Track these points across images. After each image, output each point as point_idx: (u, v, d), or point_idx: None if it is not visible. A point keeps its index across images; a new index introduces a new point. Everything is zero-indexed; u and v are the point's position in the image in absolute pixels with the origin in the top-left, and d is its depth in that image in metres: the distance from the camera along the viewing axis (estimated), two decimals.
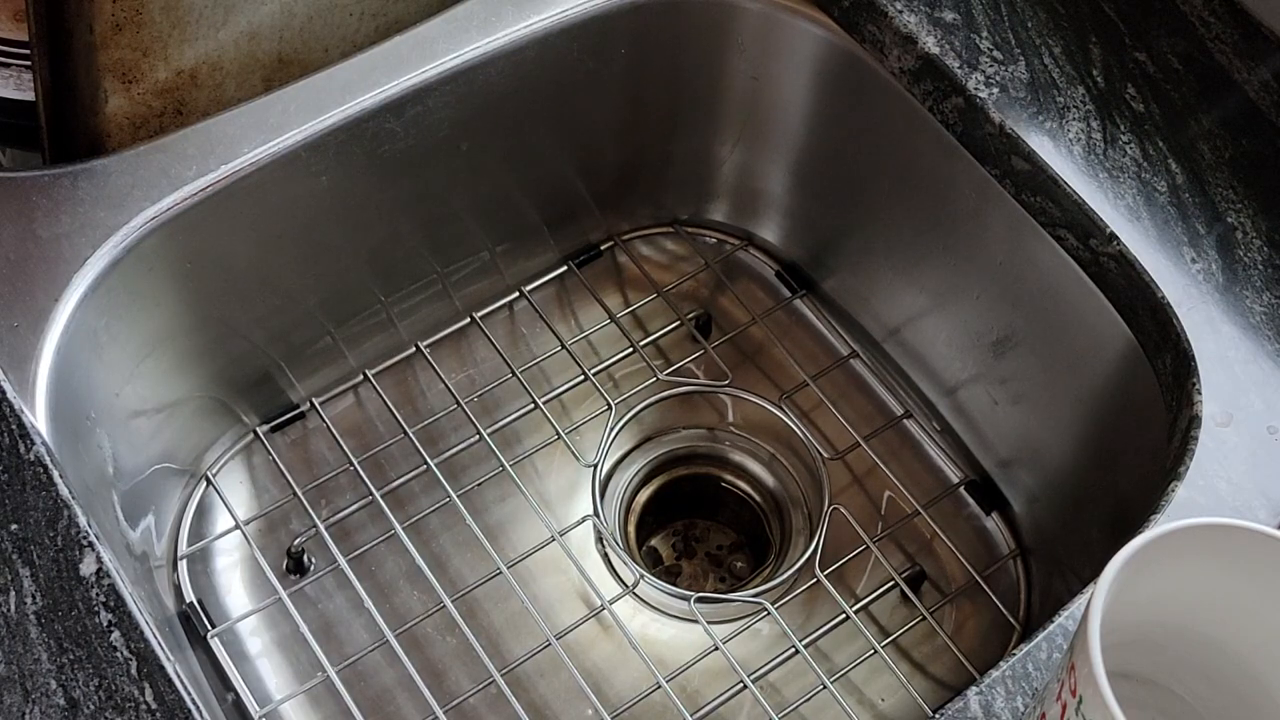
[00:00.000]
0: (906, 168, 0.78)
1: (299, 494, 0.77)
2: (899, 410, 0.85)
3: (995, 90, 0.71)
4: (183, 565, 0.74)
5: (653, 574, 0.80)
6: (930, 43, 0.73)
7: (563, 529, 0.77)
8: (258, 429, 0.79)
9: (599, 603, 0.75)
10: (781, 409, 0.84)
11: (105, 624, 0.53)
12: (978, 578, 0.78)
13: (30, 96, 0.68)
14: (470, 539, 0.77)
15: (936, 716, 0.54)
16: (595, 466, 0.81)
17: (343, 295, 0.79)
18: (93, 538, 0.55)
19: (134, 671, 0.53)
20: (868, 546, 0.78)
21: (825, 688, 0.72)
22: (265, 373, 0.79)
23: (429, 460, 0.78)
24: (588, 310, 0.87)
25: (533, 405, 0.81)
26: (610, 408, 0.82)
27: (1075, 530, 0.76)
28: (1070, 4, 0.75)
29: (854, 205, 0.84)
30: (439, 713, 0.70)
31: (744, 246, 0.91)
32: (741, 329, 0.87)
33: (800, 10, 0.78)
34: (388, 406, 0.80)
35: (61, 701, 0.52)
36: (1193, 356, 0.64)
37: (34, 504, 0.56)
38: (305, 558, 0.77)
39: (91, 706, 0.52)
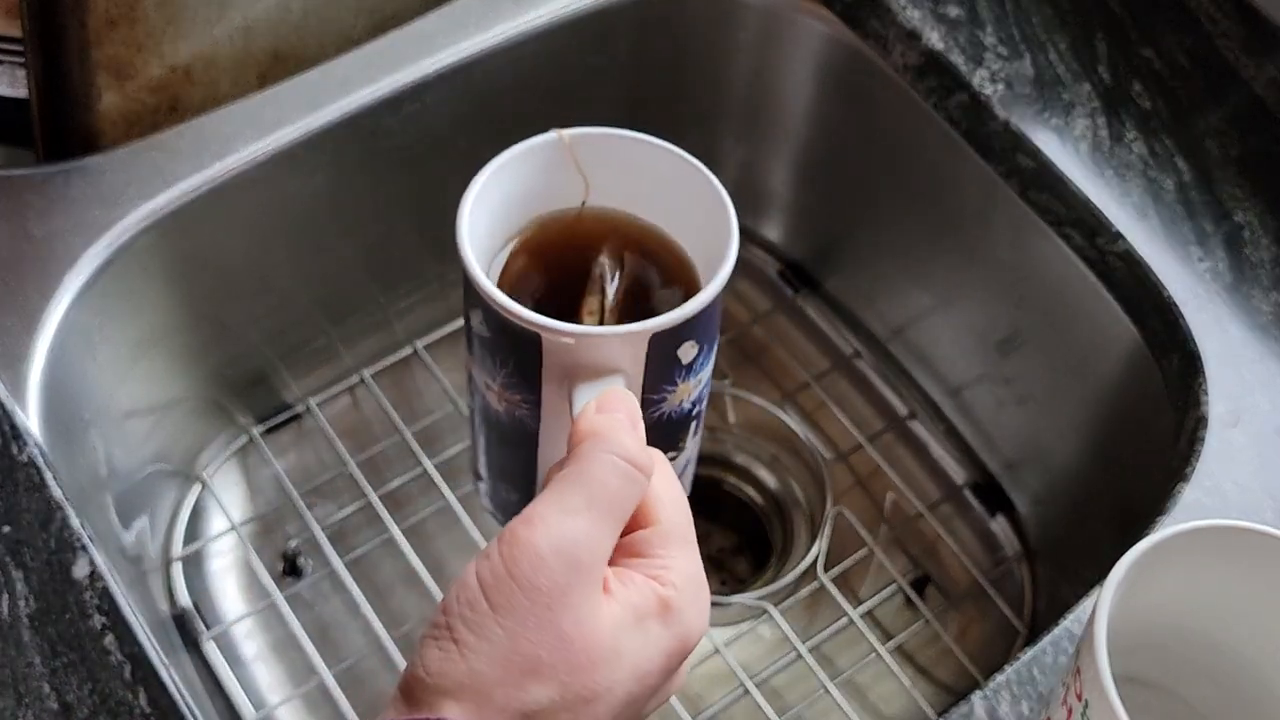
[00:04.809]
0: (910, 165, 0.78)
1: (294, 496, 0.76)
2: (903, 411, 0.84)
3: (1000, 87, 0.71)
4: (177, 568, 0.74)
5: None
6: (934, 39, 0.72)
7: None
8: (253, 430, 0.79)
9: None
10: (783, 410, 0.83)
11: (99, 627, 0.53)
12: (982, 581, 0.77)
13: (23, 93, 0.68)
14: (468, 542, 0.76)
15: None
16: None
17: (339, 294, 0.79)
18: (86, 540, 0.55)
19: (128, 675, 0.52)
20: (871, 549, 0.78)
21: (828, 692, 0.72)
22: (261, 373, 0.78)
23: (426, 462, 0.77)
24: None
25: None
26: None
27: (1081, 532, 0.75)
28: None
29: (857, 203, 0.83)
30: None
31: (745, 245, 0.90)
32: (743, 329, 0.86)
33: (803, 6, 0.77)
34: (384, 408, 0.79)
35: (55, 705, 0.51)
36: (1200, 356, 0.63)
37: (27, 506, 0.56)
38: (301, 560, 0.77)
39: (85, 710, 0.51)
